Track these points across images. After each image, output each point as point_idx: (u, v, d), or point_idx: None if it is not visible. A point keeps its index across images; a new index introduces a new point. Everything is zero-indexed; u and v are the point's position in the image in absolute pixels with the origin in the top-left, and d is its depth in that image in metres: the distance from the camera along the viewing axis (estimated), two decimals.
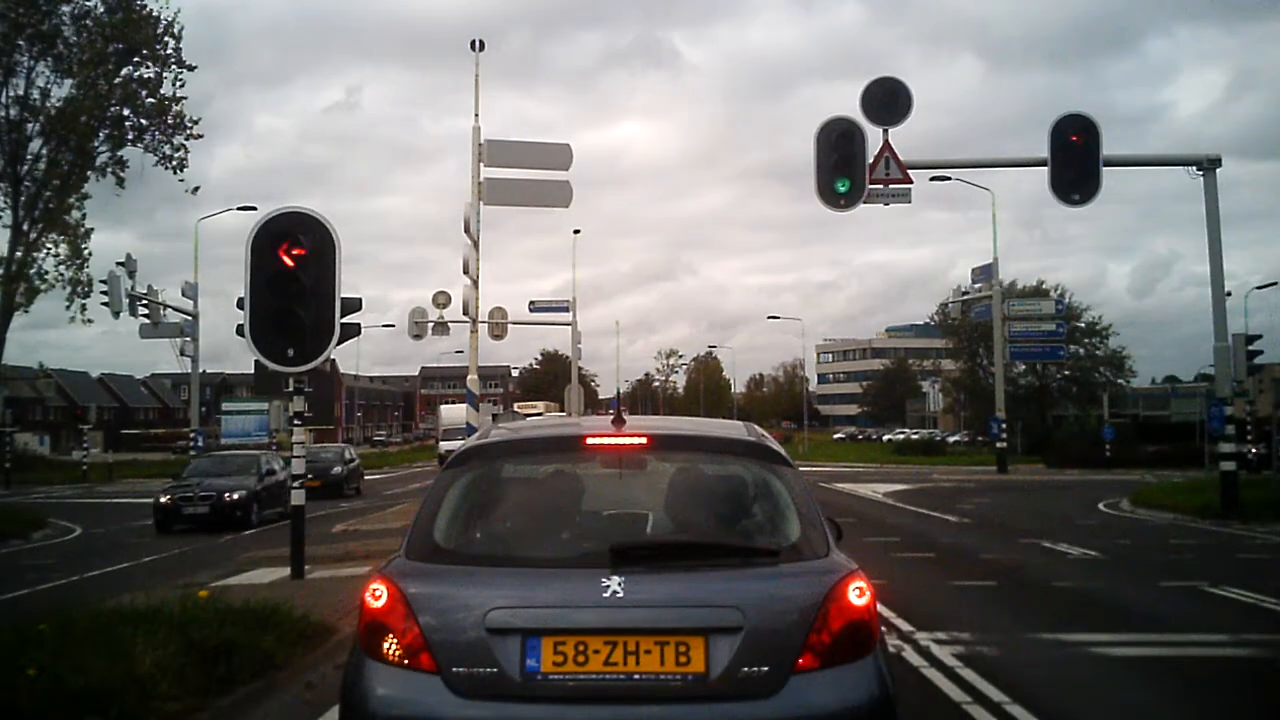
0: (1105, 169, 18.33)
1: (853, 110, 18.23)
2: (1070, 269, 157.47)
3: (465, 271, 17.09)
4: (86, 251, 28.79)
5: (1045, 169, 18.36)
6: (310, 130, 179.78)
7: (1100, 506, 23.66)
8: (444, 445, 49.58)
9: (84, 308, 28.96)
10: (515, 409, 69.01)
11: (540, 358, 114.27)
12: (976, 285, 45.15)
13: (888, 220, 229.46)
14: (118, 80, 28.56)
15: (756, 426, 4.65)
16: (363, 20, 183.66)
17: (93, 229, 29.26)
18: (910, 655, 7.54)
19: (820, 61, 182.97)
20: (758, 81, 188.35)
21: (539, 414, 56.44)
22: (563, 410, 42.18)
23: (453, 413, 55.53)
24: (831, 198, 18.10)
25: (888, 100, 18.06)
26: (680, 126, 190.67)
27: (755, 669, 3.32)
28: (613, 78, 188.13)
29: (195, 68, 29.22)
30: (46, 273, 28.13)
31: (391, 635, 3.44)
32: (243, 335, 10.19)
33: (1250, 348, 25.67)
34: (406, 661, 3.41)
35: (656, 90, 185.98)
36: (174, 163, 28.99)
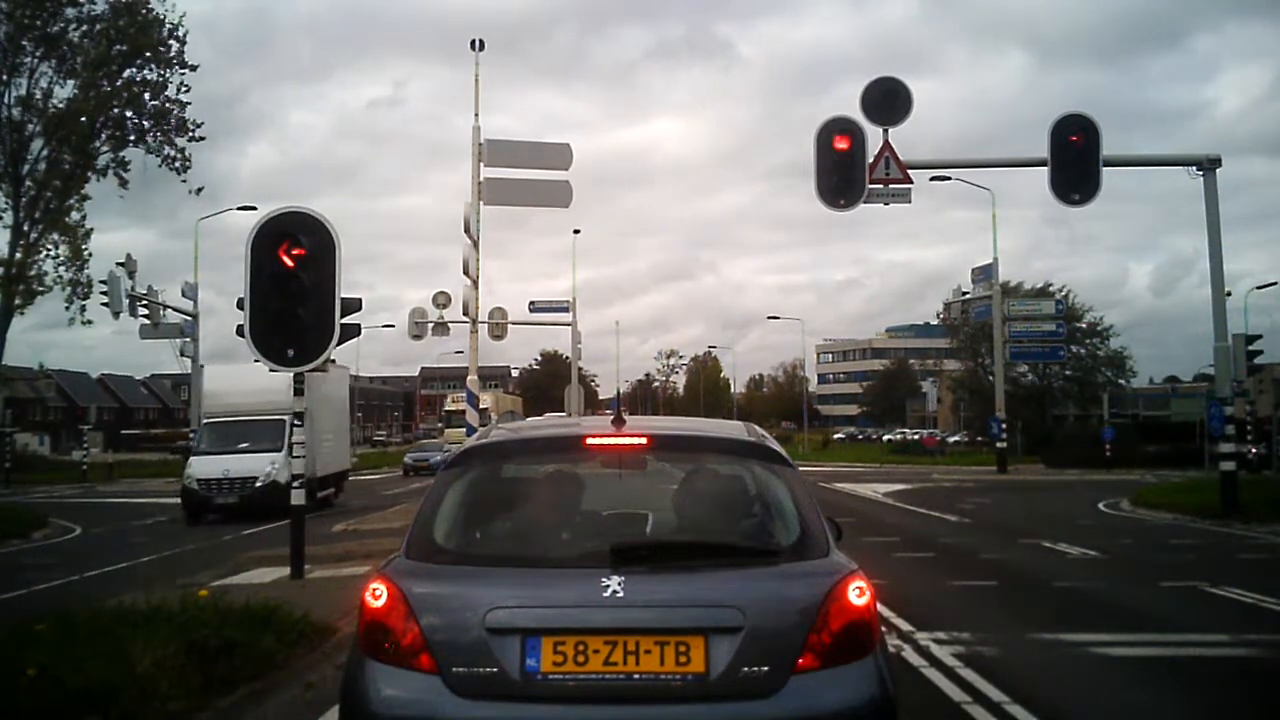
0: (1112, 169, 18.36)
1: None
2: (1092, 267, 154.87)
3: (465, 272, 17.13)
4: (86, 253, 28.84)
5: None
6: (342, 127, 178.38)
7: (1100, 506, 23.63)
8: (196, 468, 21.68)
9: (84, 309, 29.00)
10: (450, 403, 55.84)
11: (540, 358, 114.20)
12: (976, 285, 45.15)
13: (912, 218, 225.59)
14: (120, 82, 28.63)
15: (756, 426, 4.66)
16: (403, 17, 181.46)
17: (92, 229, 29.34)
18: (910, 655, 7.54)
19: (861, 58, 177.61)
20: (798, 78, 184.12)
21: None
22: (560, 409, 41.12)
23: (230, 383, 23.13)
24: (831, 198, 18.14)
25: (887, 100, 18.07)
26: (713, 124, 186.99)
27: (755, 669, 3.32)
28: (651, 74, 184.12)
29: (197, 68, 29.30)
30: (46, 274, 28.18)
31: (392, 635, 3.44)
32: (243, 335, 10.19)
33: (1250, 348, 25.70)
34: (407, 661, 3.41)
35: (693, 87, 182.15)
36: (176, 164, 29.08)
